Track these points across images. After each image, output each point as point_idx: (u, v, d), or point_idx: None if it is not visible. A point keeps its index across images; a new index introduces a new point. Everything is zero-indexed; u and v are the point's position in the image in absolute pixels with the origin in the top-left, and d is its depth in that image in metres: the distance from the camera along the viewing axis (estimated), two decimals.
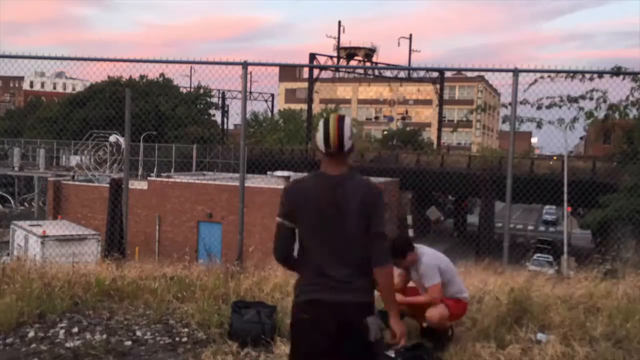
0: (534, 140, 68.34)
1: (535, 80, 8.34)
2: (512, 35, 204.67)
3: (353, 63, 64.62)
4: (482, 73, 49.78)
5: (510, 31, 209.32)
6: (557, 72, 8.31)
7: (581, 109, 8.59)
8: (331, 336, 3.19)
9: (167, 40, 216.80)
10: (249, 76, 13.50)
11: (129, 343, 5.38)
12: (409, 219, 37.69)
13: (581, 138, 67.38)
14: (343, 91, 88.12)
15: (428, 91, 71.06)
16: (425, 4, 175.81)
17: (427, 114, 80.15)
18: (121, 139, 28.91)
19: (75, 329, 5.60)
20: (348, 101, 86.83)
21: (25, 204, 43.78)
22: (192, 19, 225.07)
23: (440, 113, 53.21)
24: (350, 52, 77.43)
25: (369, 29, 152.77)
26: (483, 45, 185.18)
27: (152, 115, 46.41)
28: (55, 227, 20.84)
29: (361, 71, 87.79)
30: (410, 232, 34.64)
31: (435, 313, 5.16)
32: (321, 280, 3.27)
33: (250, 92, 61.68)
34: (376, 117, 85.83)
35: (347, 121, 3.36)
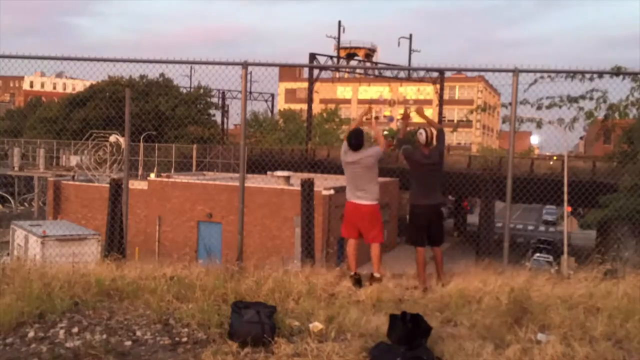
0: (533, 140, 68.30)
1: (535, 80, 8.34)
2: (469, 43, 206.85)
3: (353, 63, 64.51)
4: (482, 73, 49.82)
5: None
6: (557, 72, 8.31)
7: (581, 109, 8.60)
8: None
9: (162, 45, 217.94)
10: (249, 76, 13.53)
11: (129, 343, 5.38)
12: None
13: (581, 138, 67.39)
14: (343, 91, 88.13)
15: (428, 91, 71.04)
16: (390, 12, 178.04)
17: (427, 114, 80.00)
18: (121, 139, 28.92)
19: (75, 329, 5.59)
20: (348, 101, 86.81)
21: (25, 204, 43.80)
22: (183, 25, 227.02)
23: (440, 113, 53.21)
24: (350, 52, 77.45)
25: (369, 29, 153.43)
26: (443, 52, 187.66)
27: (152, 115, 46.43)
28: (55, 227, 20.85)
29: (361, 71, 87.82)
30: None
31: None
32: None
33: (250, 92, 61.69)
34: (376, 117, 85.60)
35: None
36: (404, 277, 7.66)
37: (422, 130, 7.55)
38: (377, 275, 7.18)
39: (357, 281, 7.06)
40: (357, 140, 7.43)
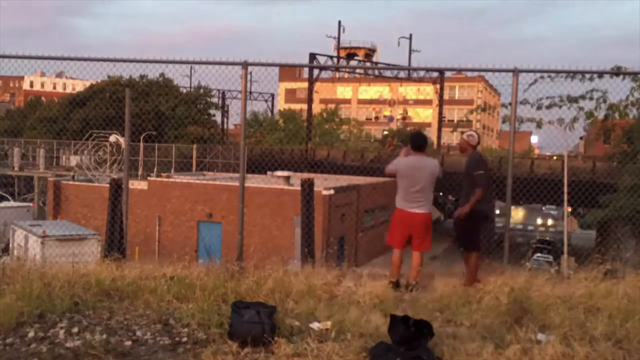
0: (533, 140, 68.32)
1: (535, 80, 8.35)
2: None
3: (353, 63, 64.53)
4: (482, 73, 49.78)
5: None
6: (557, 72, 8.31)
7: (581, 109, 8.61)
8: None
9: (161, 45, 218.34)
10: (249, 76, 13.53)
11: (129, 343, 5.38)
12: None
13: (581, 138, 67.27)
14: (343, 91, 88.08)
15: (428, 91, 71.04)
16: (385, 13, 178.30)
17: (427, 114, 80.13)
18: (121, 139, 28.91)
19: (75, 329, 5.59)
20: (348, 101, 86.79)
21: None
22: (183, 25, 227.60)
23: (440, 113, 53.22)
24: (350, 52, 77.40)
25: (369, 29, 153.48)
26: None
27: (152, 115, 46.41)
28: (55, 227, 20.86)
29: (361, 71, 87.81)
30: None
31: None
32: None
33: (250, 92, 61.69)
34: (376, 117, 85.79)
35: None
36: (403, 276, 7.67)
37: (472, 132, 7.56)
38: (413, 282, 7.21)
39: (397, 285, 7.11)
40: (420, 141, 7.42)
